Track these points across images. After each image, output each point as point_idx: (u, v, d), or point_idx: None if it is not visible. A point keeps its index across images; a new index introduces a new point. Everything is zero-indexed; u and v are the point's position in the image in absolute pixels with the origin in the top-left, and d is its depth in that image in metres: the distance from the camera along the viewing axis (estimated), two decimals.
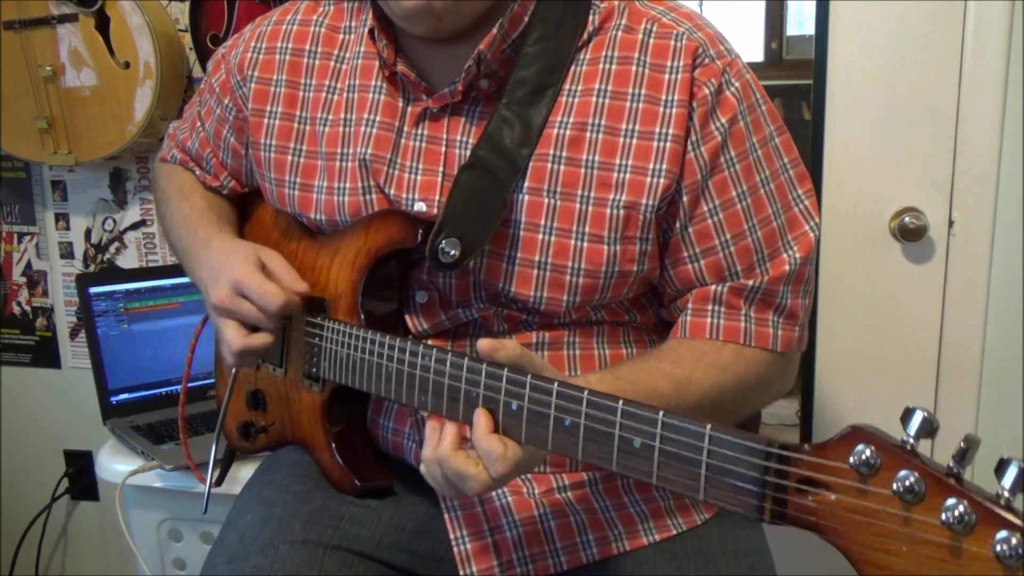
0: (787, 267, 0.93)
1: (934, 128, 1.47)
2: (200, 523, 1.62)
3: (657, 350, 0.94)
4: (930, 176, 1.49)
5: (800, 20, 1.59)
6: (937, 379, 1.55)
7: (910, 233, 1.49)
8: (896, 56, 1.47)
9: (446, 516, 0.97)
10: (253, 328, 0.97)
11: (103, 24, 1.68)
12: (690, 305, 0.94)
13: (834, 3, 1.48)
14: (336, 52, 1.02)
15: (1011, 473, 0.54)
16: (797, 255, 0.93)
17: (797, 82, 1.57)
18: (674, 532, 0.98)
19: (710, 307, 0.93)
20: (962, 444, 0.57)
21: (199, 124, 1.16)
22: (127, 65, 1.68)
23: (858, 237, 1.54)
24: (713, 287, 0.93)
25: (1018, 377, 1.52)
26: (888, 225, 1.52)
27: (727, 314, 0.93)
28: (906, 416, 0.59)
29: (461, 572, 0.95)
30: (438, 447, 0.80)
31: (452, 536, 0.96)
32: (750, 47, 1.61)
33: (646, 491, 0.99)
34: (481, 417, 0.79)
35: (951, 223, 1.50)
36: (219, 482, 1.21)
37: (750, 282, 0.92)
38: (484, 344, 0.78)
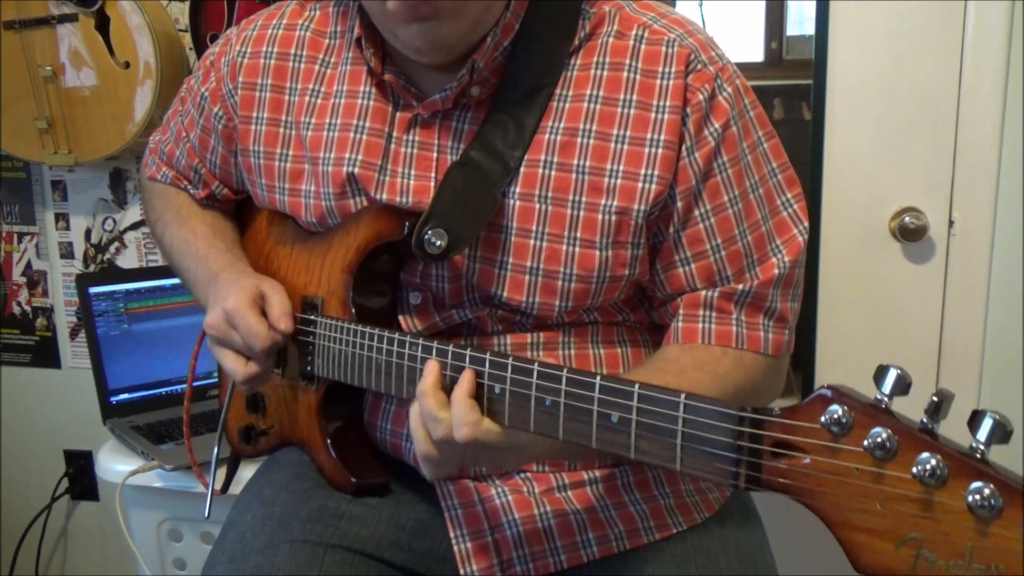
0: (776, 271, 0.93)
1: (934, 128, 1.47)
2: (200, 523, 1.62)
3: (659, 360, 0.93)
4: (930, 176, 1.49)
5: (800, 20, 1.60)
6: (937, 379, 1.55)
7: (910, 233, 1.49)
8: (896, 56, 1.47)
9: (446, 515, 0.97)
10: (247, 356, 0.99)
11: (103, 24, 1.68)
12: (681, 311, 0.94)
13: (834, 3, 1.48)
14: (321, 56, 1.02)
15: (986, 425, 0.54)
16: (786, 259, 0.93)
17: (797, 82, 1.57)
18: (674, 531, 0.98)
19: (701, 312, 0.93)
20: (934, 398, 0.57)
21: (184, 135, 1.14)
22: (127, 65, 1.68)
23: (858, 237, 1.54)
24: (703, 292, 0.93)
25: (1018, 377, 1.52)
26: (888, 225, 1.52)
27: (718, 319, 0.93)
28: (880, 374, 0.59)
29: (461, 571, 0.95)
30: (421, 382, 0.82)
31: (452, 535, 0.96)
32: (750, 47, 1.61)
33: (646, 490, 0.99)
34: (465, 376, 0.80)
35: (951, 223, 1.50)
36: (225, 488, 1.21)
37: (740, 286, 0.92)
38: None
